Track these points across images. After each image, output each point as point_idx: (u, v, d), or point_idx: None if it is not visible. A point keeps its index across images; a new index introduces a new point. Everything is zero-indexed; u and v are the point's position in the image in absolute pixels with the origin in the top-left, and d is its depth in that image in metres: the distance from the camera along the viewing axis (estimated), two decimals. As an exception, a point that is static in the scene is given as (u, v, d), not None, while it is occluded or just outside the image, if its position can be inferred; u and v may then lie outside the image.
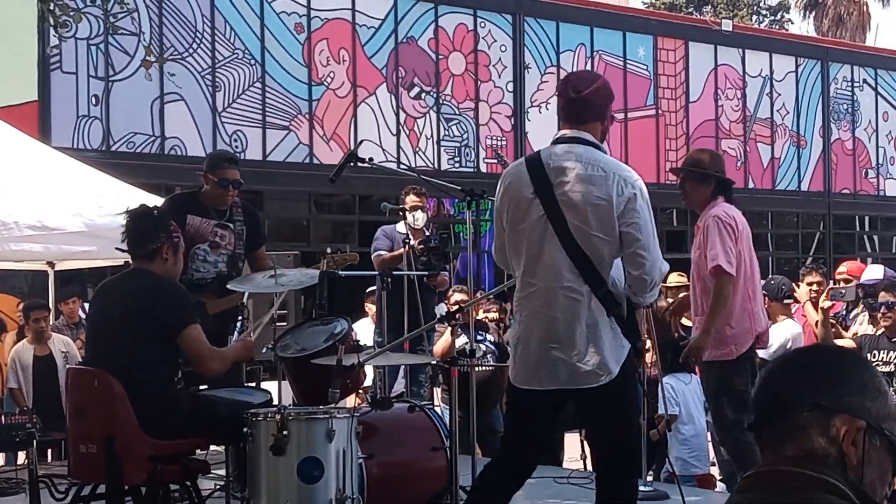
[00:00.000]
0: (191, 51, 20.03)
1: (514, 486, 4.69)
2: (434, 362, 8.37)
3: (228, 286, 6.34)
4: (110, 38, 18.78)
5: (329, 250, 6.59)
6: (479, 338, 8.59)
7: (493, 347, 8.71)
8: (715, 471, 8.32)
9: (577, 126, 4.52)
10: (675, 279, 9.55)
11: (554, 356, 4.39)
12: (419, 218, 8.87)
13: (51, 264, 10.18)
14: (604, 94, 4.61)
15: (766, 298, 7.54)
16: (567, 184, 4.39)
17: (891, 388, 7.09)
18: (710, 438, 8.13)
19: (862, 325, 7.86)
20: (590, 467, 7.78)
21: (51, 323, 10.14)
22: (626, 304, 4.48)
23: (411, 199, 8.85)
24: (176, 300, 5.16)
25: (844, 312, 8.25)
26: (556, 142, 4.54)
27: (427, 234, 9.02)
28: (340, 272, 6.48)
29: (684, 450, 7.96)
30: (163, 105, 19.65)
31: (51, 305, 10.60)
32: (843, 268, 8.88)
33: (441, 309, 8.96)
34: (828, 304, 7.36)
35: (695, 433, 8.10)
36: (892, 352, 6.98)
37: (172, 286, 5.24)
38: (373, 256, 8.91)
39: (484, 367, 8.34)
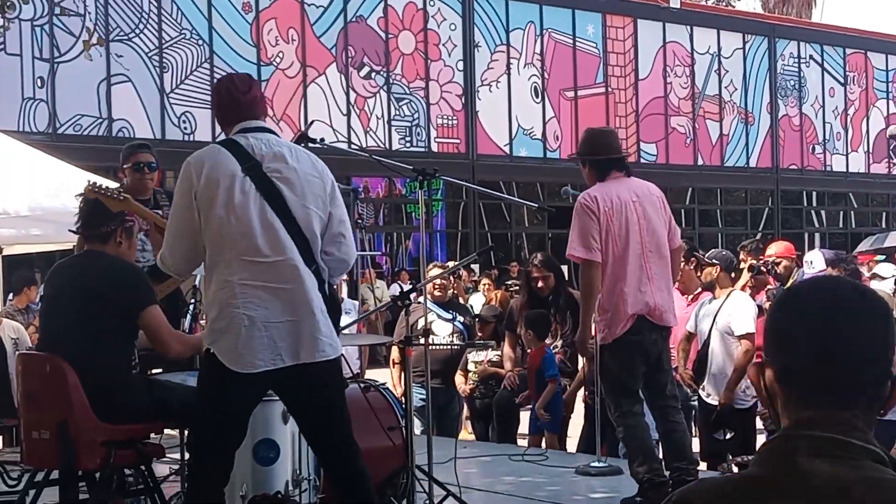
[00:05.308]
0: (137, 31, 19.81)
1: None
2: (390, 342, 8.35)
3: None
4: (55, 20, 18.52)
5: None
6: (449, 316, 8.60)
7: (461, 327, 8.70)
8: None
9: (259, 119, 4.62)
10: None
11: (295, 329, 4.33)
12: None
13: (-2, 249, 10.05)
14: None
15: (719, 268, 7.68)
16: (278, 161, 4.44)
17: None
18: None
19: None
20: (544, 445, 7.88)
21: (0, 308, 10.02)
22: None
23: None
24: (132, 281, 5.10)
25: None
26: (242, 132, 4.51)
27: None
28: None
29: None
30: (109, 87, 19.44)
31: (-1, 290, 10.49)
32: (772, 249, 9.02)
33: (395, 289, 8.95)
34: (769, 304, 7.48)
35: None
36: None
37: (128, 267, 5.19)
38: None
39: (437, 346, 8.33)
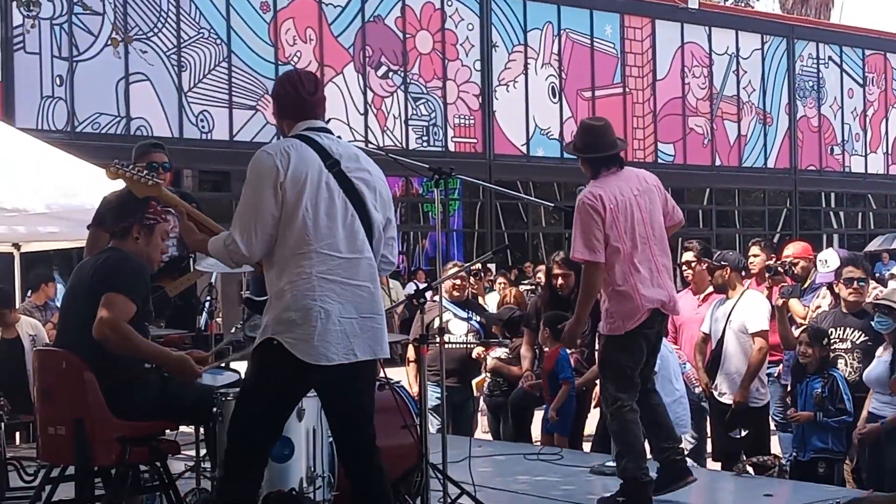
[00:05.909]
0: (156, 30, 19.87)
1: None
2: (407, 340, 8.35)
3: (197, 267, 6.32)
4: (74, 18, 18.60)
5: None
6: (466, 315, 8.60)
7: (477, 326, 8.70)
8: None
9: (321, 119, 4.69)
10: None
11: (367, 325, 4.47)
12: None
13: (16, 246, 10.10)
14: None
15: (728, 268, 7.68)
16: (354, 161, 4.56)
17: (847, 367, 7.06)
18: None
19: (825, 299, 7.93)
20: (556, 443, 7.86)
21: (17, 305, 10.06)
22: None
23: None
24: (126, 271, 5.07)
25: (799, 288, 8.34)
26: (311, 130, 4.54)
27: None
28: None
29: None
30: (128, 85, 19.51)
31: (17, 287, 10.53)
32: (789, 250, 8.93)
33: (410, 288, 8.94)
34: (781, 301, 7.45)
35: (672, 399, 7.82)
36: (850, 329, 7.00)
37: (132, 262, 5.16)
38: None
39: (453, 345, 8.32)
